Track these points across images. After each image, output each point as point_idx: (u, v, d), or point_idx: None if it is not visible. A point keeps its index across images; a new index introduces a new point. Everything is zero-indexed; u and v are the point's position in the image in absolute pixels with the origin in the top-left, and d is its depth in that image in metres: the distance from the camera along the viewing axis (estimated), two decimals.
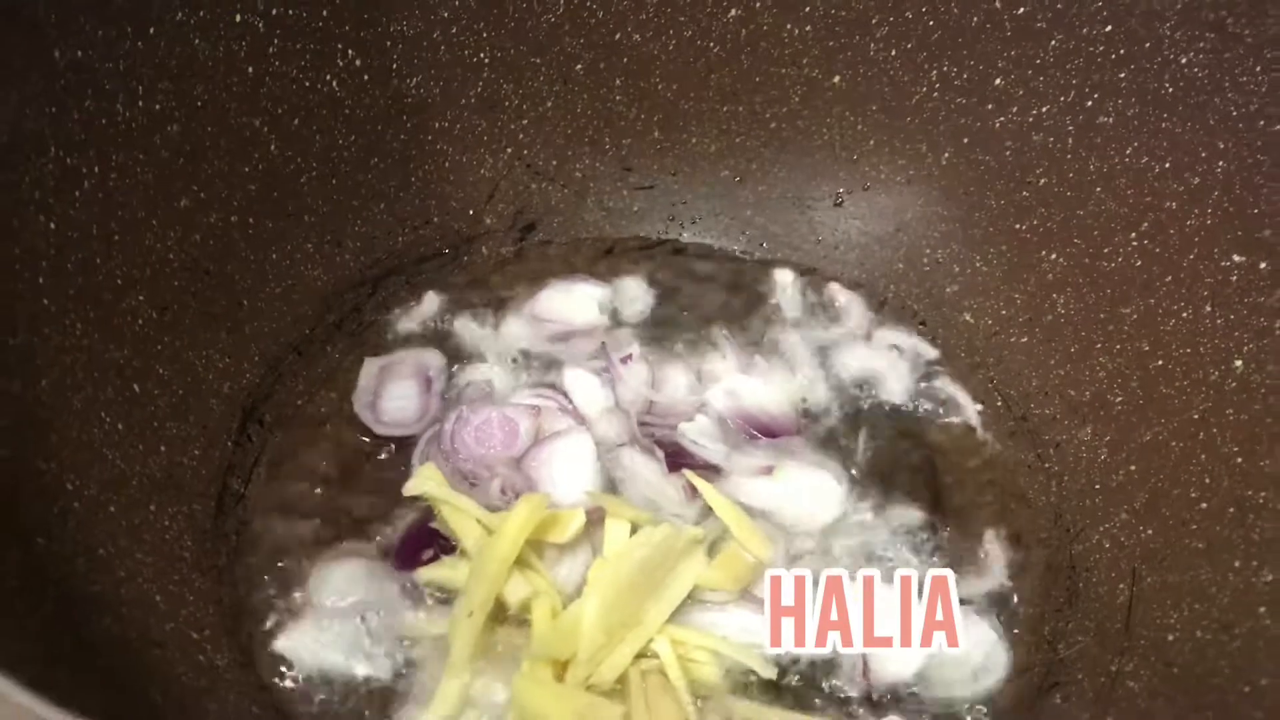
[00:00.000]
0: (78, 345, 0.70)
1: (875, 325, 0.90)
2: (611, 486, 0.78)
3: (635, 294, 0.92)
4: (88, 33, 0.71)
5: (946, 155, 0.87)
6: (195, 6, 0.76)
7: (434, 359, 0.85)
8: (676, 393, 0.84)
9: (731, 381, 0.84)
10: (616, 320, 0.90)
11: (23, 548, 0.61)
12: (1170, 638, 0.66)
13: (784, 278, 0.92)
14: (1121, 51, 0.76)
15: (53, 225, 0.69)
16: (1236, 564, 0.65)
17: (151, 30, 0.75)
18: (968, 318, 0.88)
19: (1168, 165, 0.75)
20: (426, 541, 0.74)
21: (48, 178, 0.69)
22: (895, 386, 0.86)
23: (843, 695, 0.71)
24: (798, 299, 0.91)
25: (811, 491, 0.78)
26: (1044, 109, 0.81)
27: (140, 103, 0.75)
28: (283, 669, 0.70)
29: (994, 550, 0.78)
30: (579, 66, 0.90)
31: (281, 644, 0.71)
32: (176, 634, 0.68)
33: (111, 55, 0.72)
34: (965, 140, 0.86)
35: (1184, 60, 0.73)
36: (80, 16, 0.69)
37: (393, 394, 0.82)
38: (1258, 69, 0.70)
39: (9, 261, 0.66)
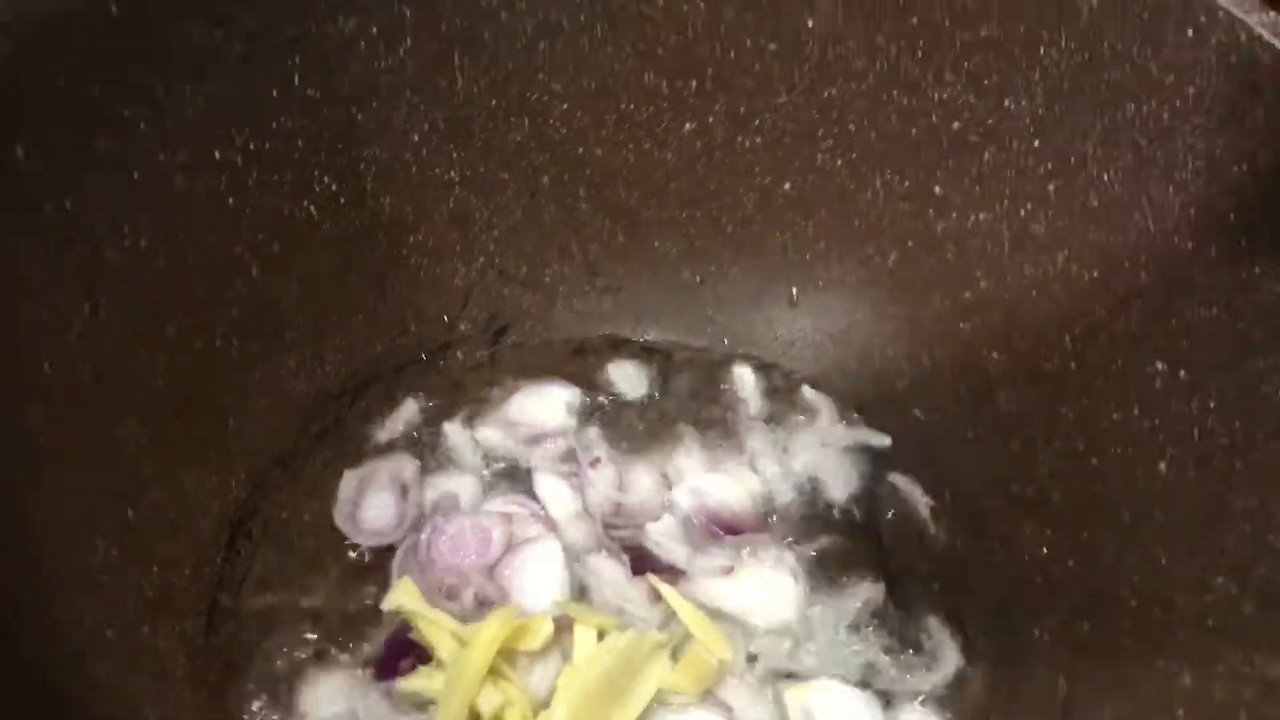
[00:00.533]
0: (73, 479, 0.74)
1: (831, 422, 0.94)
2: (582, 591, 0.82)
3: (610, 387, 0.96)
4: (74, 180, 0.75)
5: (893, 258, 0.91)
6: (174, 148, 0.80)
7: (408, 466, 0.89)
8: (642, 494, 0.88)
9: (696, 480, 0.88)
10: (585, 422, 0.94)
11: (22, 680, 0.65)
12: None
13: (744, 375, 0.97)
14: (1049, 165, 0.81)
15: (47, 366, 0.73)
16: (1160, 664, 0.69)
17: (135, 174, 0.79)
18: (917, 413, 0.92)
19: (1095, 274, 0.79)
20: (405, 651, 0.78)
21: (42, 322, 0.73)
22: (849, 481, 0.90)
23: None
24: (758, 396, 0.95)
25: (770, 590, 0.82)
26: (981, 215, 0.86)
27: (126, 241, 0.79)
28: None
29: (944, 641, 0.82)
30: (545, 179, 0.95)
31: None
32: None
33: (97, 200, 0.77)
34: (910, 244, 0.90)
35: (1105, 177, 0.78)
36: (67, 166, 0.74)
37: (371, 504, 0.86)
38: (1169, 189, 0.74)
39: (6, 405, 0.70)
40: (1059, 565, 0.80)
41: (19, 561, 0.69)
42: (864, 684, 0.79)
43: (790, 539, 0.87)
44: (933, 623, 0.83)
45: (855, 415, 0.95)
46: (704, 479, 0.88)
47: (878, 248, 0.92)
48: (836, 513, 0.89)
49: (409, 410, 0.93)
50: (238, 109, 0.82)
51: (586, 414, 0.94)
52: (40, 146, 0.70)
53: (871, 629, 0.82)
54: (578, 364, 0.98)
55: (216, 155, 0.83)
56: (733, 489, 0.88)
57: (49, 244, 0.73)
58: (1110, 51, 0.75)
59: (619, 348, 1.00)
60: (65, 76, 0.71)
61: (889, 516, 0.89)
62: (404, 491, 0.87)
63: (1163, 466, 0.74)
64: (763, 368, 0.98)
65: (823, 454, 0.91)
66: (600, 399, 0.95)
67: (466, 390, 0.95)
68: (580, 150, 0.94)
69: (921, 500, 0.90)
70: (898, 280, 0.92)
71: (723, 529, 0.86)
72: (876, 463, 0.92)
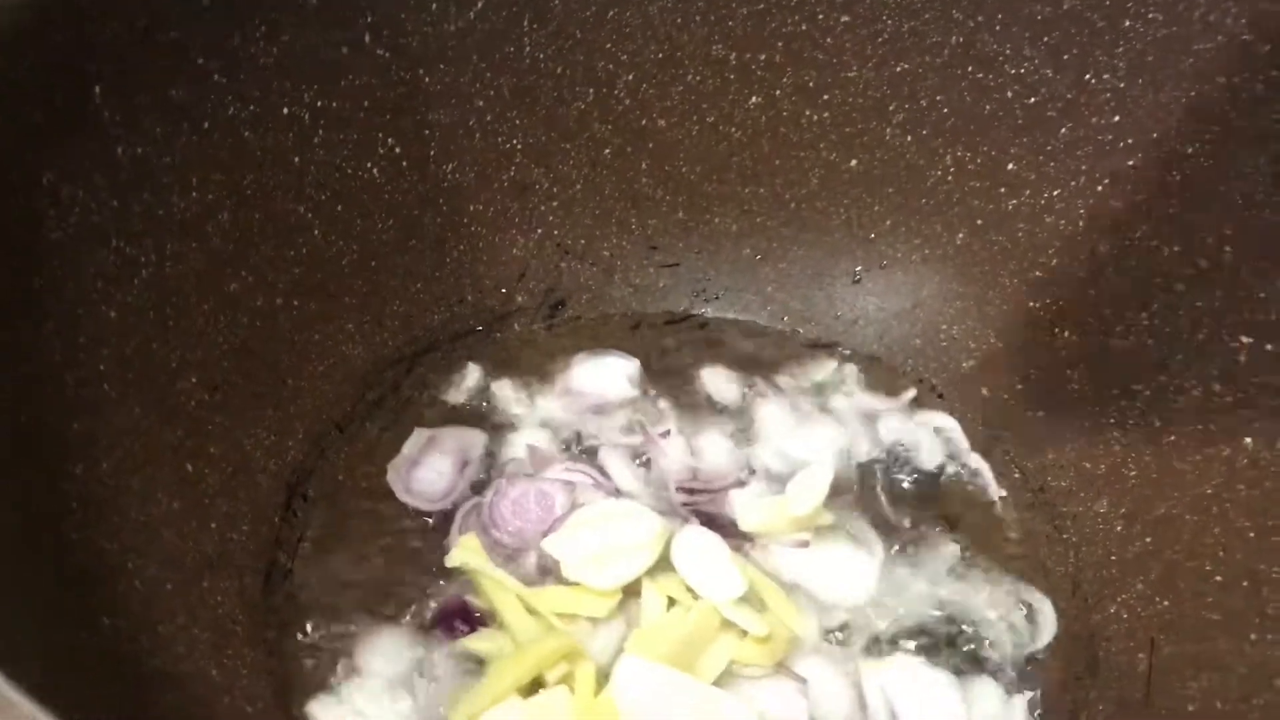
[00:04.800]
0: (136, 428, 0.73)
1: (899, 400, 0.93)
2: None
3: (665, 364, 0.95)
4: (147, 130, 0.74)
5: (961, 236, 0.91)
6: (246, 101, 0.80)
7: (477, 440, 0.88)
8: (719, 460, 0.86)
9: (781, 441, 0.87)
10: (648, 394, 0.92)
11: (91, 628, 0.64)
12: (1190, 708, 0.69)
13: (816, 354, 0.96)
14: (1130, 141, 0.80)
15: (113, 314, 0.72)
16: (1252, 636, 0.67)
17: (206, 124, 0.78)
18: (985, 391, 0.91)
19: (1176, 249, 0.79)
20: (462, 614, 0.77)
21: (109, 269, 0.72)
22: (925, 458, 0.89)
23: None
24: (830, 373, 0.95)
25: (847, 565, 0.81)
26: (1055, 192, 0.85)
27: (194, 193, 0.79)
28: None
29: (1019, 617, 0.80)
30: (607, 151, 0.94)
31: (330, 714, 0.73)
32: (232, 708, 0.71)
33: (169, 150, 0.76)
34: (979, 221, 0.89)
35: (1189, 150, 0.77)
36: (141, 115, 0.73)
37: (430, 467, 0.85)
38: (1261, 159, 0.73)
39: (74, 350, 0.69)
40: (1135, 542, 0.79)
41: (87, 504, 0.67)
42: (940, 657, 0.78)
43: (867, 513, 0.85)
44: (1009, 599, 0.81)
45: (922, 395, 0.93)
46: (790, 439, 0.86)
47: (946, 225, 0.91)
48: (916, 483, 0.88)
49: (468, 379, 0.92)
50: (308, 65, 0.81)
51: (650, 386, 0.92)
52: (117, 90, 0.69)
53: (949, 605, 0.80)
54: (636, 339, 0.97)
55: (285, 111, 0.83)
56: (820, 450, 0.86)
57: (119, 190, 0.72)
58: (1201, 23, 0.74)
59: (678, 323, 0.98)
60: (148, 19, 0.70)
61: (963, 494, 0.88)
62: (463, 465, 0.86)
63: (1248, 440, 0.73)
64: (825, 346, 0.96)
65: (901, 431, 0.90)
66: (663, 369, 0.93)
67: (524, 361, 0.94)
68: (644, 122, 0.93)
69: (991, 479, 0.88)
70: (966, 258, 0.91)
71: None
72: (946, 441, 0.90)
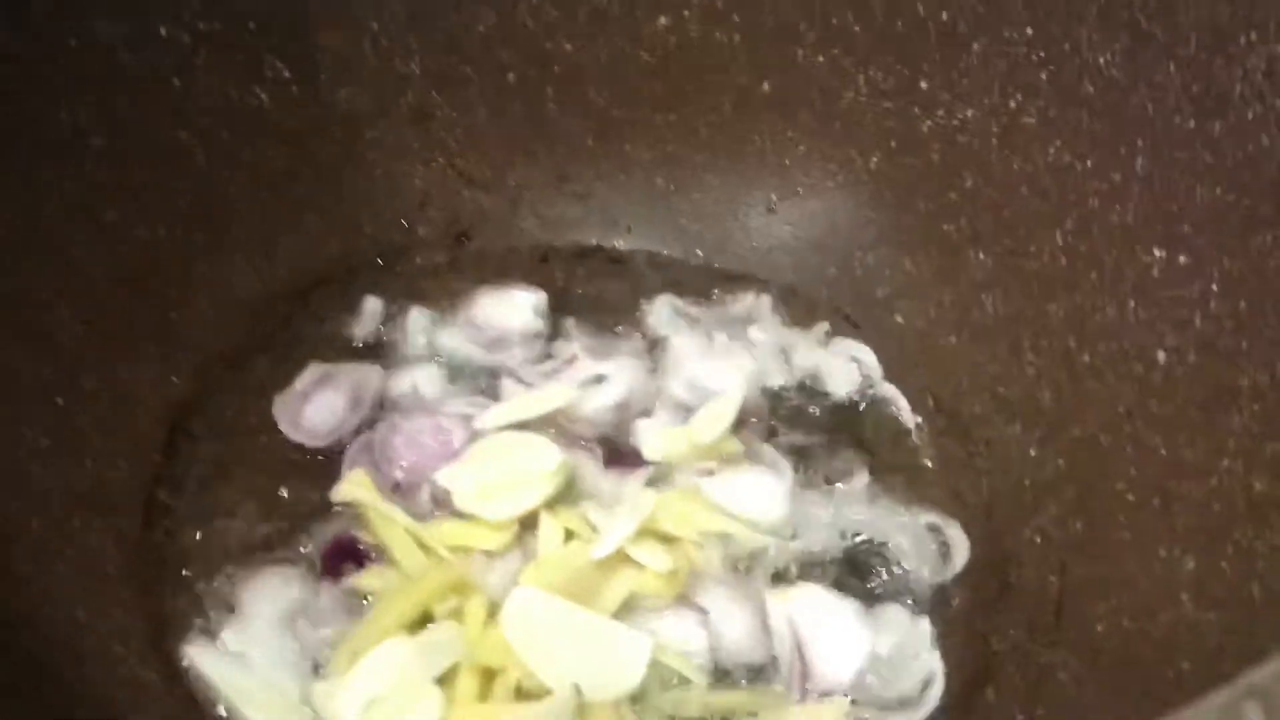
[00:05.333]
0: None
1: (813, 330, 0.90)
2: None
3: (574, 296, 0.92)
4: (6, 47, 0.71)
5: (875, 159, 0.88)
6: (117, 19, 0.76)
7: (373, 375, 0.83)
8: (624, 390, 0.83)
9: (691, 368, 0.84)
10: (555, 325, 0.89)
11: None
12: (1099, 628, 0.67)
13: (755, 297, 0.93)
14: (1042, 53, 0.77)
15: None
16: (1161, 553, 0.65)
17: (72, 42, 0.74)
18: (899, 319, 0.88)
19: (1089, 164, 0.76)
20: (350, 551, 0.73)
21: None
22: (839, 386, 0.87)
23: None
24: (748, 304, 0.92)
25: (754, 494, 0.78)
26: (969, 112, 0.82)
27: (63, 115, 0.75)
28: (209, 681, 0.69)
29: (930, 545, 0.78)
30: (511, 76, 0.91)
31: (209, 656, 0.70)
32: (100, 649, 0.67)
33: (31, 69, 0.72)
34: (893, 144, 0.86)
35: (1101, 60, 0.74)
36: None
37: (320, 402, 0.81)
38: (1170, 67, 0.70)
39: None
40: (1049, 465, 0.77)
41: None
42: (849, 585, 0.75)
43: (777, 441, 0.82)
44: (921, 526, 0.79)
45: (836, 323, 0.90)
46: (699, 367, 0.83)
47: (860, 150, 0.88)
48: (829, 412, 0.86)
49: (366, 312, 0.88)
50: None
51: (556, 317, 0.89)
52: None
53: (861, 533, 0.78)
54: (544, 272, 0.93)
55: (162, 31, 0.79)
56: (731, 377, 0.83)
57: None
58: None
59: (588, 256, 0.95)
60: None
61: (876, 421, 0.86)
62: (356, 400, 0.82)
63: (1161, 355, 0.71)
64: (739, 277, 0.93)
65: (815, 358, 0.87)
66: (573, 301, 0.90)
67: (426, 294, 0.90)
68: (549, 45, 0.90)
69: (906, 406, 0.86)
70: (880, 183, 0.88)
71: None
72: (860, 369, 0.88)
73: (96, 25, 0.76)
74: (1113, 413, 0.73)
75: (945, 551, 0.78)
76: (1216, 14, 0.68)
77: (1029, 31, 0.78)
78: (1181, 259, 0.71)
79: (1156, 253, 0.72)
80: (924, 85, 0.84)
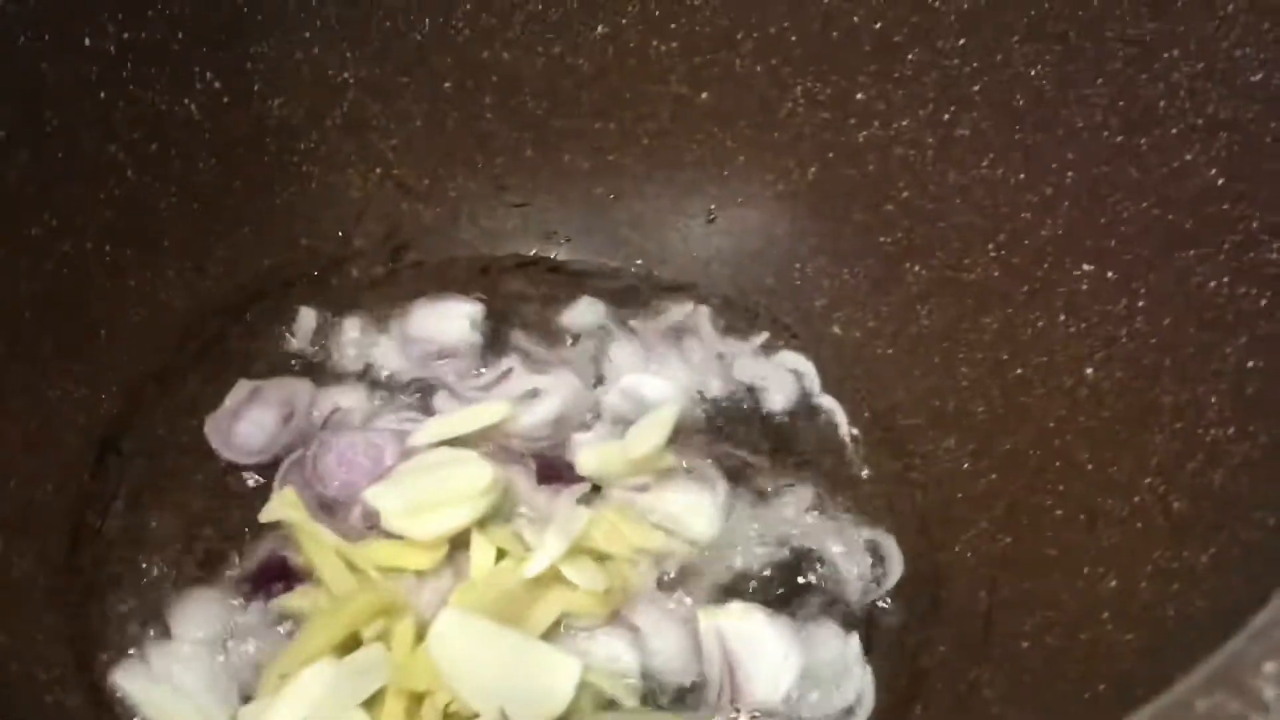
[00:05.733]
0: None
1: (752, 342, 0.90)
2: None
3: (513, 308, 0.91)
4: None
5: (813, 170, 0.87)
6: (39, 30, 0.74)
7: (304, 390, 0.83)
8: (561, 404, 0.83)
9: (628, 381, 0.84)
10: (492, 337, 0.88)
11: None
12: (1024, 645, 0.67)
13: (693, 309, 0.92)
14: (975, 65, 0.77)
15: None
16: (1085, 570, 0.65)
17: None
18: (836, 330, 0.88)
19: (1022, 177, 0.76)
20: (280, 573, 0.73)
21: None
22: (777, 399, 0.86)
23: None
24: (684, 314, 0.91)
25: (688, 509, 0.77)
26: (904, 123, 0.82)
27: None
28: (136, 705, 0.68)
29: (865, 561, 0.78)
30: (447, 84, 0.90)
31: (136, 680, 0.69)
32: (24, 674, 0.66)
33: None
34: (830, 155, 0.86)
35: (1032, 73, 0.75)
36: None
37: (251, 419, 0.80)
38: (1099, 81, 0.71)
39: None
40: (981, 479, 0.77)
41: None
42: (781, 601, 0.75)
43: (714, 454, 0.82)
44: (856, 541, 0.78)
45: (775, 335, 0.90)
46: (637, 379, 0.83)
47: (798, 160, 0.88)
48: (767, 424, 0.86)
49: (300, 327, 0.87)
50: None
51: (496, 330, 0.88)
52: None
53: (795, 548, 0.78)
54: (484, 283, 0.92)
55: (87, 42, 0.77)
56: (670, 390, 0.83)
57: None
58: None
59: (527, 266, 0.94)
60: None
61: (814, 434, 0.86)
62: (288, 417, 0.81)
63: (1089, 370, 0.71)
64: (678, 288, 0.93)
65: (759, 367, 0.87)
66: (511, 313, 0.90)
67: (362, 308, 0.89)
68: (485, 54, 0.89)
69: (844, 419, 0.86)
70: (818, 194, 0.88)
71: None
72: (797, 380, 0.87)
73: (18, 36, 0.74)
74: (1043, 427, 0.73)
75: (879, 566, 0.78)
76: (1142, 30, 0.68)
77: (961, 42, 0.78)
78: (1109, 274, 0.71)
79: (1085, 267, 0.73)
80: (860, 96, 0.83)
